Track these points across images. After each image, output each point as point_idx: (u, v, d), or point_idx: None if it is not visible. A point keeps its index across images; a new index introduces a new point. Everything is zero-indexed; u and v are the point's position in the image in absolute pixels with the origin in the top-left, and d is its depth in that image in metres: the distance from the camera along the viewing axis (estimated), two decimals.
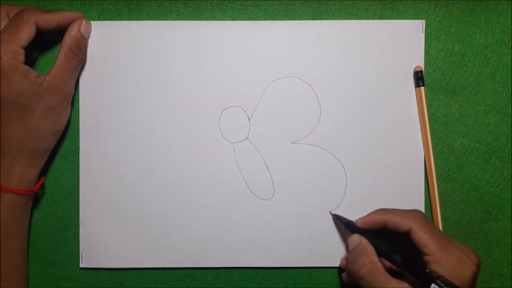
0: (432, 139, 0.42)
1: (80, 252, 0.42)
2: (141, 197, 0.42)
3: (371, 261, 0.35)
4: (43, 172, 0.42)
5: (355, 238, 0.38)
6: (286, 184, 0.42)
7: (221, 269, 0.43)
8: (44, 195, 0.43)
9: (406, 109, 0.43)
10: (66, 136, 0.43)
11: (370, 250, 0.36)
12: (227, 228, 0.42)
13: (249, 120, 0.43)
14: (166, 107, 0.42)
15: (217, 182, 0.42)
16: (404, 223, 0.35)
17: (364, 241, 0.37)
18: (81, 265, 0.42)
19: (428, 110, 0.42)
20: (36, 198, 0.43)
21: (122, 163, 0.42)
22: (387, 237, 0.37)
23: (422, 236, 0.34)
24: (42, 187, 0.43)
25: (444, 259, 0.32)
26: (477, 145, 0.43)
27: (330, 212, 0.42)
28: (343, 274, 0.41)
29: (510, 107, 0.43)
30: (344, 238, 0.42)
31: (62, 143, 0.43)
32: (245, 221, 0.42)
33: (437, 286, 0.31)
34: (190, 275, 0.43)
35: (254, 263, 0.42)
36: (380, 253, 0.36)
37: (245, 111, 0.43)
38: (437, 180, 0.42)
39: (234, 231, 0.42)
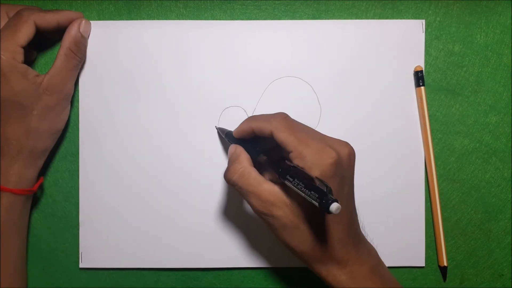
0: (433, 139, 0.42)
1: (80, 252, 0.42)
2: (141, 198, 0.42)
3: (242, 167, 0.34)
4: (43, 172, 0.42)
5: (231, 147, 0.37)
6: None
7: (221, 269, 0.43)
8: (44, 195, 0.43)
9: (407, 109, 0.43)
10: (65, 136, 0.43)
11: (243, 157, 0.35)
12: (227, 228, 0.42)
13: None
14: (166, 107, 0.42)
15: (217, 182, 0.42)
16: (266, 127, 0.34)
17: (238, 149, 0.36)
18: (81, 265, 0.42)
19: (428, 110, 0.42)
20: (35, 199, 0.43)
21: (121, 163, 0.42)
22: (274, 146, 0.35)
23: (280, 135, 0.33)
24: (42, 187, 0.43)
25: (303, 152, 0.32)
26: (477, 145, 0.43)
27: (215, 126, 0.42)
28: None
29: (511, 107, 0.43)
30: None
31: (62, 143, 0.43)
32: (245, 221, 0.42)
33: (291, 176, 0.31)
34: (190, 275, 0.43)
35: (254, 263, 0.42)
36: (255, 160, 0.36)
37: (245, 111, 0.43)
38: (437, 180, 0.42)
39: (234, 232, 0.42)
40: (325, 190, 0.28)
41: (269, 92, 0.43)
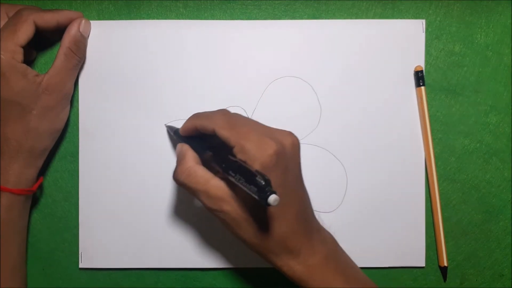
0: (433, 139, 0.42)
1: (80, 252, 0.42)
2: (141, 197, 0.42)
3: (188, 166, 0.34)
4: (42, 172, 0.42)
5: (178, 146, 0.37)
6: None
7: (220, 269, 0.43)
8: (43, 195, 0.43)
9: (407, 109, 0.43)
10: (65, 136, 0.43)
11: (189, 156, 0.35)
12: None
13: None
14: (165, 107, 0.42)
15: None
16: (207, 125, 0.34)
17: (184, 147, 0.36)
18: (80, 265, 0.42)
19: (428, 110, 0.42)
20: (35, 199, 0.43)
21: (121, 163, 0.42)
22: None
23: (221, 132, 0.33)
24: (41, 187, 0.43)
25: (245, 146, 0.32)
26: (478, 145, 0.43)
27: (164, 124, 0.42)
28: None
29: (511, 107, 0.43)
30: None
31: (61, 143, 0.43)
32: None
33: (233, 171, 0.31)
34: (190, 275, 0.43)
35: (254, 263, 0.42)
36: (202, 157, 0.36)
37: (245, 111, 0.42)
38: (438, 180, 0.42)
39: None
40: (264, 183, 0.28)
41: (269, 92, 0.42)
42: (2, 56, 0.36)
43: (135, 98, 0.42)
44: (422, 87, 0.42)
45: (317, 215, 0.36)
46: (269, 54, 0.42)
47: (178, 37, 0.42)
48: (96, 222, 0.42)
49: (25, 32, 0.37)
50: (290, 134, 0.34)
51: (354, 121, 0.42)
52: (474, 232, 0.43)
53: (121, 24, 0.42)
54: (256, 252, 0.35)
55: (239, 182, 0.30)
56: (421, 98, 0.42)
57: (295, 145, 0.34)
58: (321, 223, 0.37)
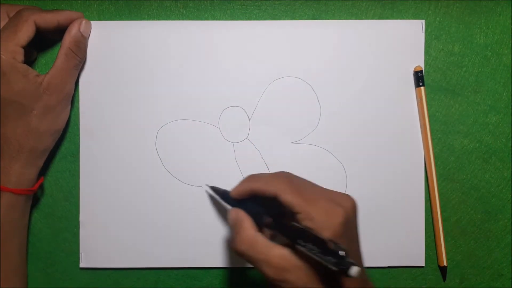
0: (432, 139, 0.42)
1: (80, 252, 0.42)
2: (141, 197, 0.42)
3: (247, 235, 0.33)
4: (43, 172, 0.42)
5: (232, 212, 0.35)
6: None
7: (221, 269, 0.43)
8: (44, 195, 0.43)
9: (406, 109, 0.43)
10: (66, 136, 0.43)
11: (247, 224, 0.34)
12: (227, 227, 0.42)
13: (249, 120, 0.43)
14: (166, 107, 0.42)
15: (217, 182, 0.42)
16: (269, 189, 0.33)
17: (240, 214, 0.34)
18: (81, 265, 0.42)
19: (428, 110, 0.42)
20: (36, 198, 0.43)
21: (122, 163, 0.42)
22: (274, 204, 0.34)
23: (286, 198, 0.32)
24: (42, 187, 0.43)
25: (311, 213, 0.31)
26: (477, 145, 0.43)
27: (206, 184, 0.41)
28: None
29: (510, 107, 0.43)
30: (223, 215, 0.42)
31: (62, 143, 0.43)
32: None
33: (303, 241, 0.30)
34: (190, 275, 0.43)
35: None
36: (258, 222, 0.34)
37: (245, 111, 0.43)
38: (437, 180, 0.42)
39: None
40: (342, 254, 0.28)
41: (269, 92, 0.43)
42: (2, 56, 0.36)
43: (136, 98, 0.42)
44: (422, 87, 0.42)
45: None
46: (269, 54, 0.43)
47: (179, 37, 0.42)
48: (97, 222, 0.42)
49: (25, 33, 0.37)
50: (349, 197, 0.34)
51: (354, 121, 0.43)
52: (474, 231, 0.43)
53: (122, 25, 0.42)
54: None
55: (310, 252, 0.29)
56: (421, 98, 0.42)
57: (356, 208, 0.34)
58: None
